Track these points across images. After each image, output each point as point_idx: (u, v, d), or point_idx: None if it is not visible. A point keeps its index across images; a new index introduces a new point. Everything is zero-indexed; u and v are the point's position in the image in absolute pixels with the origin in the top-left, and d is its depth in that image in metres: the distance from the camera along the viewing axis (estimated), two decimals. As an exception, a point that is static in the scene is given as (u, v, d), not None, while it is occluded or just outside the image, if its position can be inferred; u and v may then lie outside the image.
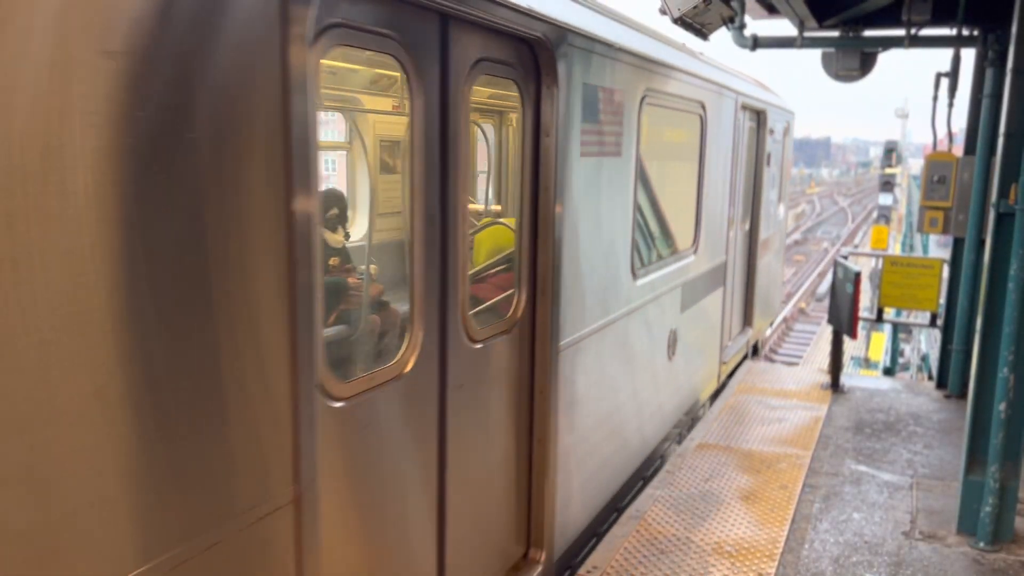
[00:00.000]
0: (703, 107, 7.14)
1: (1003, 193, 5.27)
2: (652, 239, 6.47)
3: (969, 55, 8.60)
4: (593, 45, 4.72)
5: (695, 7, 5.57)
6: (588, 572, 5.00)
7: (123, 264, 2.05)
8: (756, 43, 9.20)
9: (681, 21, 5.69)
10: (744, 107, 8.78)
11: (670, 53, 6.32)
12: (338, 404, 2.99)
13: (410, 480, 3.57)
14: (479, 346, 4.00)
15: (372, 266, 4.86)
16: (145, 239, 2.11)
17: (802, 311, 28.64)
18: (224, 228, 2.35)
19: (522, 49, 4.14)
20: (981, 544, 5.38)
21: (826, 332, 17.83)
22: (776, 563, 5.14)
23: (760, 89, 9.81)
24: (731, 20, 7.24)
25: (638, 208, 5.82)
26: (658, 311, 6.50)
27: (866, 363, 19.24)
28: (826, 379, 9.19)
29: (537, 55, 4.22)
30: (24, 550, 1.90)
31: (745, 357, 10.47)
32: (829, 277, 16.04)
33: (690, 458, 6.86)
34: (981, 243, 7.97)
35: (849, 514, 5.90)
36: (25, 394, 1.87)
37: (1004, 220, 5.31)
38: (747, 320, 10.32)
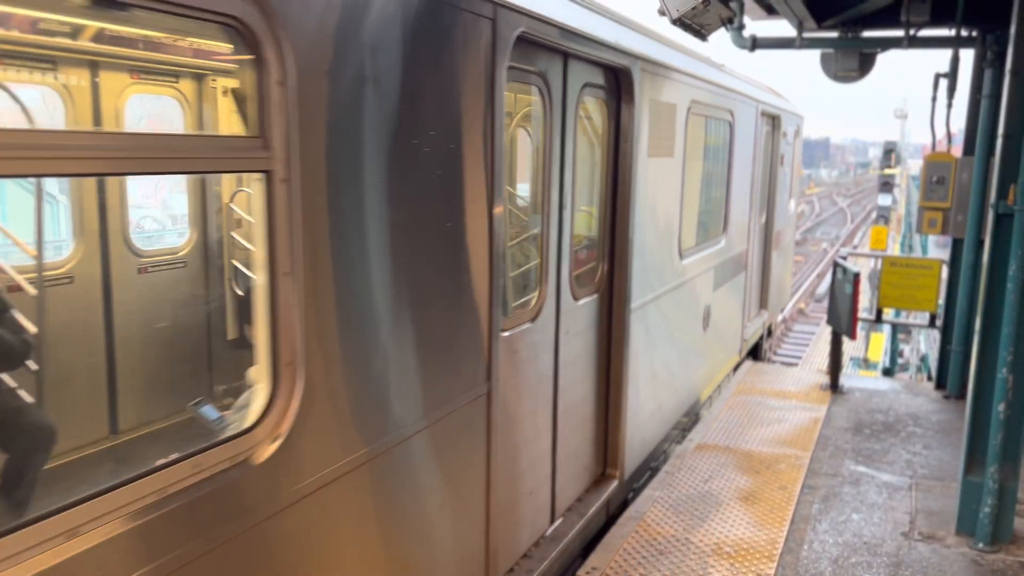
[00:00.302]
0: (732, 114, 8.38)
1: (1002, 194, 5.27)
2: (693, 227, 7.63)
3: (968, 56, 8.61)
4: (656, 69, 5.96)
5: (694, 8, 5.58)
6: (587, 573, 5.00)
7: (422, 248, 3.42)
8: (755, 44, 9.21)
9: (680, 22, 5.69)
10: (763, 113, 9.92)
11: (708, 70, 7.56)
12: (505, 334, 4.36)
13: (538, 396, 4.87)
14: (579, 303, 5.33)
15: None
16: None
17: (801, 312, 28.64)
18: (462, 221, 3.72)
19: (608, 74, 5.45)
20: (980, 545, 5.38)
21: (825, 333, 17.83)
22: (775, 564, 5.14)
23: (775, 97, 10.89)
24: (730, 21, 7.24)
25: (683, 200, 6.99)
26: (697, 288, 7.74)
27: (865, 364, 19.25)
28: (825, 380, 9.20)
29: (619, 78, 5.51)
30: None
31: (761, 339, 11.58)
32: (828, 278, 16.02)
33: (689, 459, 6.86)
34: (980, 244, 7.97)
35: (848, 515, 5.90)
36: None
37: (1003, 221, 5.31)
38: (763, 303, 11.43)
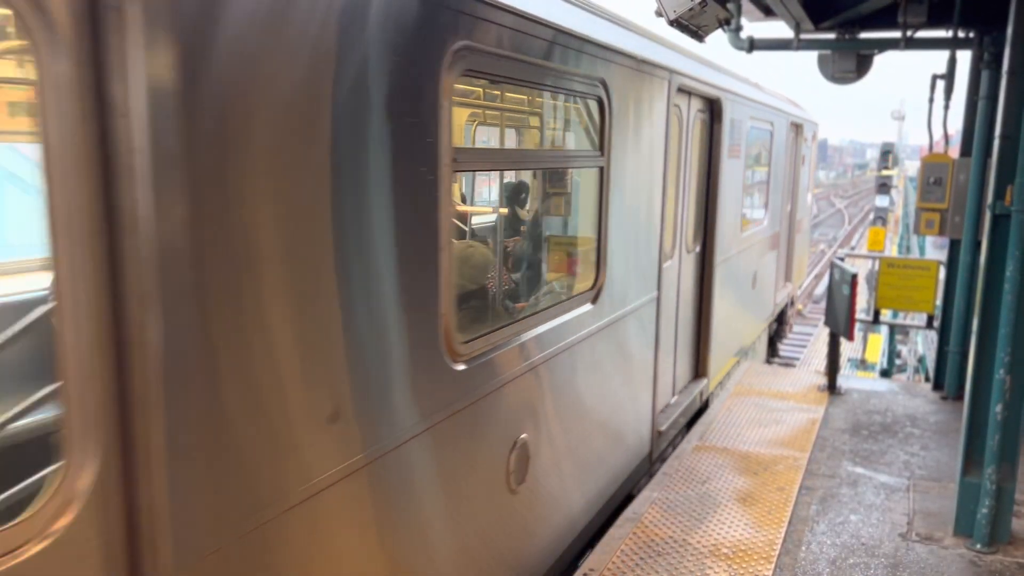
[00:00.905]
0: (772, 125, 10.81)
1: (999, 195, 5.27)
2: (748, 209, 10.05)
3: (965, 57, 8.62)
4: (735, 97, 8.52)
5: (690, 9, 5.58)
6: (585, 574, 4.99)
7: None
8: (752, 45, 9.22)
9: (677, 23, 5.68)
10: (790, 123, 12.39)
11: (759, 94, 10.20)
12: (666, 264, 6.99)
13: (673, 307, 7.48)
14: (690, 254, 7.88)
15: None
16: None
17: (799, 313, 28.64)
18: None
19: (706, 103, 7.90)
20: (978, 546, 5.38)
21: (823, 334, 17.83)
22: (773, 565, 5.14)
23: (796, 107, 13.57)
24: (727, 22, 7.23)
25: (744, 189, 9.41)
26: (751, 255, 10.30)
27: (863, 365, 19.25)
28: (823, 381, 9.20)
29: (713, 104, 8.03)
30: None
31: (785, 308, 14.38)
32: (826, 279, 16.07)
33: (687, 460, 6.85)
34: (977, 245, 7.98)
35: (846, 516, 5.90)
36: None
37: (1000, 222, 5.31)
38: (788, 276, 14.18)
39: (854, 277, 8.51)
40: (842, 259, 9.28)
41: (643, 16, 6.98)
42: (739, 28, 8.96)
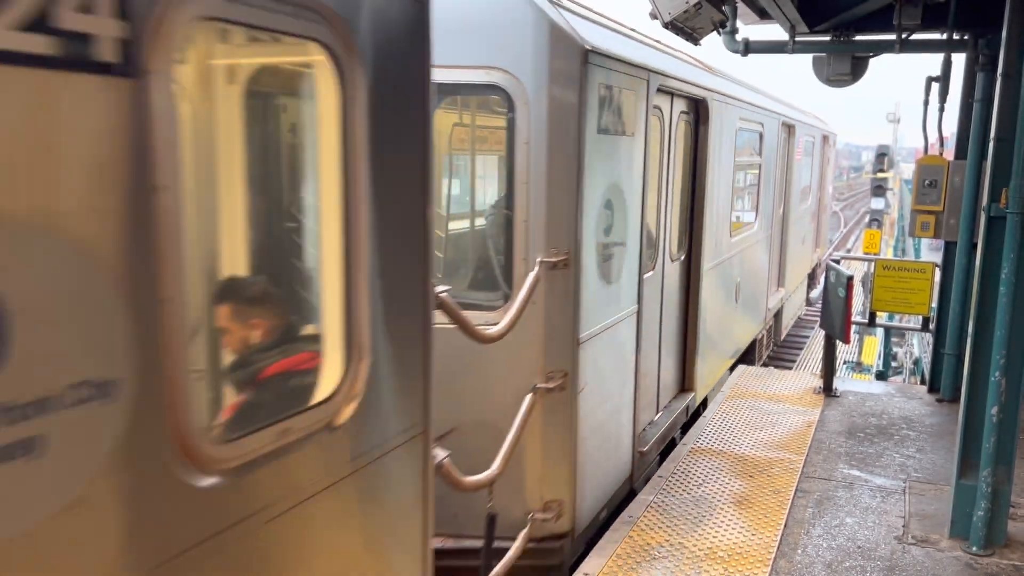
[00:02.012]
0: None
1: (994, 197, 5.27)
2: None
3: (960, 59, 8.61)
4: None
5: (685, 12, 5.57)
6: (580, 578, 4.97)
7: None
8: (748, 48, 9.20)
9: (672, 26, 5.68)
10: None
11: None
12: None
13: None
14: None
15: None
16: None
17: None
18: None
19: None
20: (974, 548, 5.37)
21: (819, 336, 17.83)
22: (769, 568, 5.12)
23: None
24: (722, 25, 7.25)
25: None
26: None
27: (859, 367, 19.24)
28: (819, 383, 9.19)
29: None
30: None
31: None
32: (821, 281, 16.14)
33: (683, 463, 6.84)
34: (972, 247, 7.97)
35: (842, 519, 5.89)
36: None
37: (995, 224, 5.31)
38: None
39: (850, 280, 8.51)
40: (838, 262, 9.27)
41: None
42: (734, 31, 8.95)
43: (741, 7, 8.55)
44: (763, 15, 8.65)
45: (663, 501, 6.07)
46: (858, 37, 9.24)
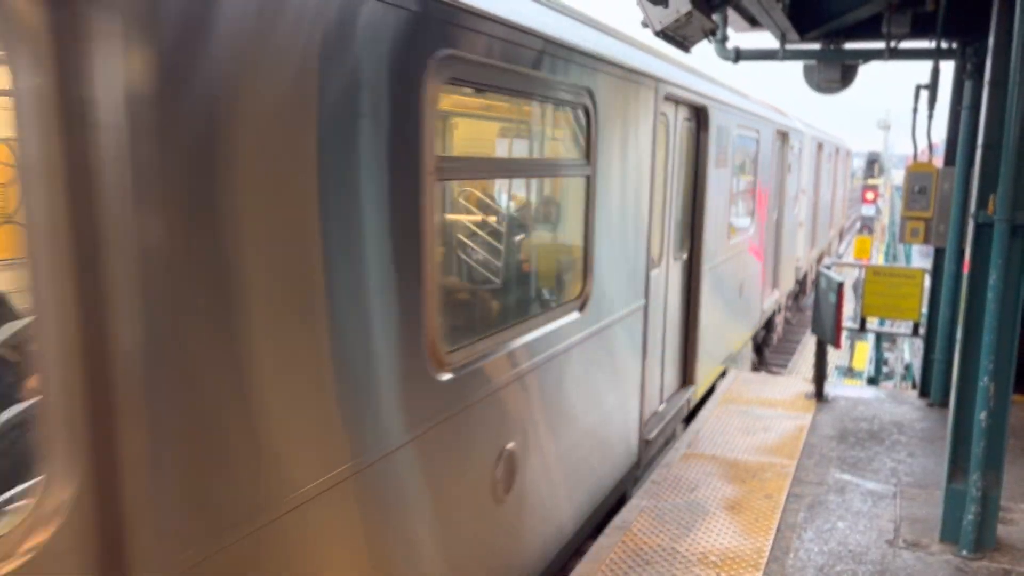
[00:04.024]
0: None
1: (982, 204, 5.31)
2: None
3: (948, 67, 8.70)
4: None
5: (676, 20, 5.62)
6: (574, 584, 4.99)
7: None
8: (738, 55, 9.27)
9: (663, 34, 5.72)
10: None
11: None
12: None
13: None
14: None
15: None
16: None
17: (787, 321, 28.73)
18: None
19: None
20: (964, 552, 5.41)
21: (810, 342, 17.89)
22: (761, 573, 5.15)
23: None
24: (713, 33, 7.30)
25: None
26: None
27: (850, 373, 19.32)
28: (810, 388, 9.23)
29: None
30: None
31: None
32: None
33: (676, 468, 6.86)
34: (961, 253, 8.03)
35: (834, 523, 5.92)
36: None
37: (983, 230, 5.35)
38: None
39: (840, 285, 8.56)
40: (829, 268, 9.33)
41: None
42: (725, 39, 9.02)
43: (732, 15, 8.63)
44: (753, 23, 8.72)
45: (656, 506, 6.10)
46: (848, 45, 9.32)
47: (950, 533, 5.55)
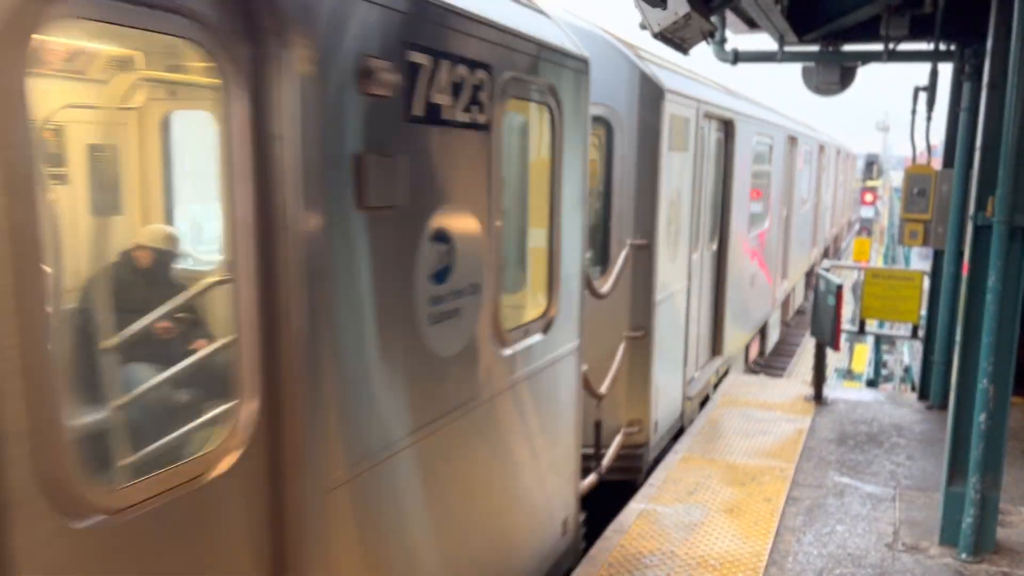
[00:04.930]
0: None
1: (980, 205, 5.30)
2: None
3: (947, 69, 8.69)
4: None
5: (675, 22, 5.61)
6: (572, 587, 4.97)
7: None
8: (737, 57, 9.27)
9: (661, 36, 5.71)
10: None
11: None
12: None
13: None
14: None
15: None
16: None
17: (786, 323, 28.72)
18: None
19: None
20: (963, 555, 5.39)
21: (809, 344, 17.88)
22: (760, 576, 5.13)
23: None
24: (711, 35, 7.29)
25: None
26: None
27: (849, 375, 19.31)
28: (809, 391, 9.22)
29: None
30: None
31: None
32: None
33: (674, 471, 6.85)
34: (960, 255, 8.01)
35: (832, 526, 5.91)
36: None
37: (982, 232, 5.34)
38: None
39: (839, 288, 8.55)
40: (828, 270, 9.32)
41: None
42: (723, 40, 9.02)
43: (730, 17, 8.62)
44: (752, 25, 8.71)
45: (655, 509, 6.08)
46: (846, 47, 9.32)
47: (949, 536, 5.54)
